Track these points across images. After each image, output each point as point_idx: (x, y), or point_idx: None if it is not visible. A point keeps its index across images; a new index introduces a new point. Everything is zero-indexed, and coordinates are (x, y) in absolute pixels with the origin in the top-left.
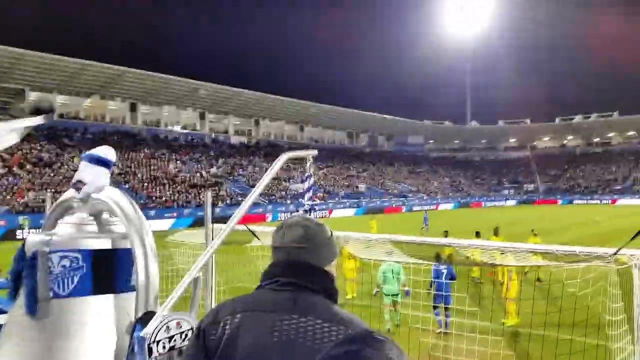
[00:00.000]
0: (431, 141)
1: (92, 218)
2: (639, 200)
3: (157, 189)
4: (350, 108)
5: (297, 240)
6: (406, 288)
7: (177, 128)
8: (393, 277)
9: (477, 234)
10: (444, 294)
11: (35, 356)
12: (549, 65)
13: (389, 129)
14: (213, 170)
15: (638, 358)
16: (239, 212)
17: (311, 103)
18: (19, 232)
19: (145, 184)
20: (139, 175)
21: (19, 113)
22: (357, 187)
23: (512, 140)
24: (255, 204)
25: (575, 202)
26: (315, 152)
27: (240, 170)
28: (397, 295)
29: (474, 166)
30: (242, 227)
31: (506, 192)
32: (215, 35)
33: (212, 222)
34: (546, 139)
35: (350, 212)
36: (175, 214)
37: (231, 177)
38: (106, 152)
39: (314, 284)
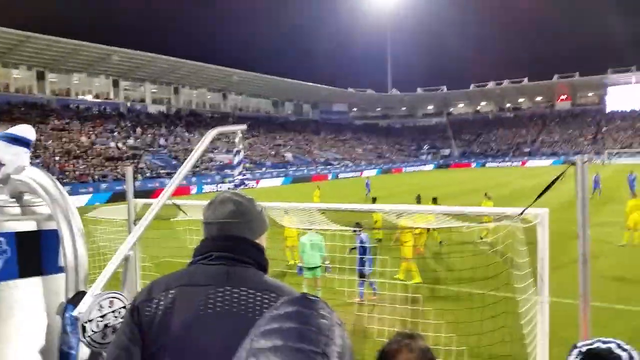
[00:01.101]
0: (355, 109)
1: (13, 200)
2: (546, 162)
3: (71, 162)
4: (275, 75)
5: (228, 215)
6: (327, 263)
7: (89, 97)
8: (312, 248)
9: (418, 199)
10: (363, 265)
11: None
12: (462, 32)
13: (314, 97)
14: (130, 141)
15: (540, 307)
16: (169, 188)
17: (234, 70)
18: None
19: (57, 158)
20: (50, 149)
21: None
22: (283, 156)
23: (429, 107)
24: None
25: (488, 164)
26: (245, 126)
27: (162, 140)
28: (317, 268)
29: (395, 133)
30: (167, 201)
31: (424, 157)
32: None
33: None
34: (461, 105)
35: (277, 181)
36: (91, 189)
37: (151, 149)
38: (25, 131)
39: (246, 257)
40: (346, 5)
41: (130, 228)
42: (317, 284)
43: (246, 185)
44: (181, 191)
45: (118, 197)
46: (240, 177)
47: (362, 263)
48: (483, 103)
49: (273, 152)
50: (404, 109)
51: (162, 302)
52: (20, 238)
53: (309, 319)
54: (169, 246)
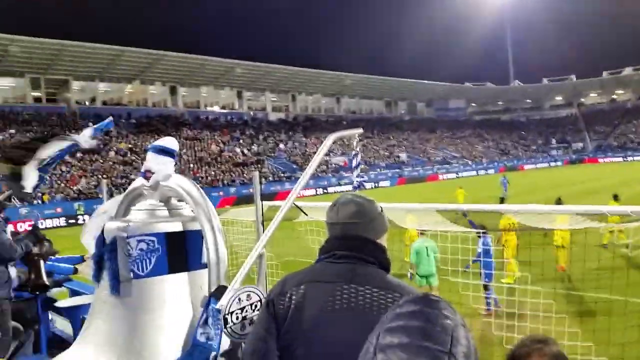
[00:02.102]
0: (473, 104)
1: (162, 204)
2: None
3: (203, 169)
4: (387, 76)
5: (351, 216)
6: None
7: (216, 108)
8: (428, 255)
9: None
10: (488, 270)
11: (122, 332)
12: (592, 16)
13: (428, 94)
14: (254, 148)
15: None
16: (294, 192)
17: (346, 74)
18: (80, 218)
19: (191, 165)
20: (184, 157)
21: (66, 102)
22: (397, 156)
23: (557, 98)
24: (295, 179)
25: (629, 158)
26: (360, 130)
27: (282, 146)
28: (432, 276)
29: (520, 127)
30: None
31: (554, 152)
32: (245, 12)
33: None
34: (594, 94)
35: (392, 182)
36: (221, 193)
37: (272, 154)
38: (170, 142)
39: (368, 256)
40: None
41: (259, 228)
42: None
43: (364, 187)
44: (287, 194)
45: (244, 199)
46: (359, 179)
47: (487, 269)
48: (619, 91)
49: (387, 153)
50: (528, 101)
51: (294, 297)
52: (169, 238)
53: (433, 318)
54: (292, 246)
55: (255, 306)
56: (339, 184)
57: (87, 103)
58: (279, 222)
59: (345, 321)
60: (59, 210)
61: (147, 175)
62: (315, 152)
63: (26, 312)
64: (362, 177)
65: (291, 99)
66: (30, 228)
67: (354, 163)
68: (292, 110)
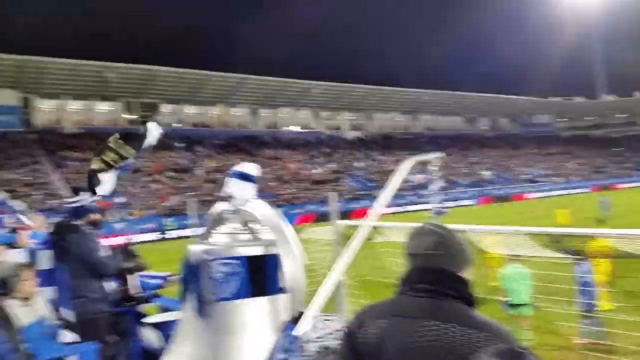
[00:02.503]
0: (560, 119)
1: (243, 228)
2: None
3: (282, 187)
4: (467, 91)
5: (431, 247)
6: (534, 298)
7: (294, 128)
8: (520, 283)
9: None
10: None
11: (206, 352)
12: None
13: (511, 109)
14: (331, 166)
15: None
16: (372, 216)
17: (424, 90)
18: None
19: (271, 183)
20: (265, 175)
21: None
22: (480, 174)
23: None
24: (372, 197)
25: None
26: (442, 154)
27: (358, 164)
28: (525, 305)
29: (613, 143)
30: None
31: None
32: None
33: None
34: None
35: (474, 202)
36: (299, 211)
37: (349, 172)
38: (251, 168)
39: (451, 290)
40: (538, 6)
41: (336, 248)
42: (524, 323)
43: (445, 214)
44: (363, 212)
45: (323, 217)
46: (439, 205)
47: (587, 298)
48: None
49: (468, 171)
50: (622, 115)
51: (374, 330)
52: (250, 261)
53: None
54: (370, 266)
55: (335, 334)
56: (417, 203)
57: (175, 125)
58: (355, 250)
59: (426, 359)
60: (150, 225)
61: (228, 200)
62: (392, 170)
63: (119, 325)
64: (443, 203)
65: (367, 117)
66: (122, 243)
67: (435, 189)
68: (369, 129)
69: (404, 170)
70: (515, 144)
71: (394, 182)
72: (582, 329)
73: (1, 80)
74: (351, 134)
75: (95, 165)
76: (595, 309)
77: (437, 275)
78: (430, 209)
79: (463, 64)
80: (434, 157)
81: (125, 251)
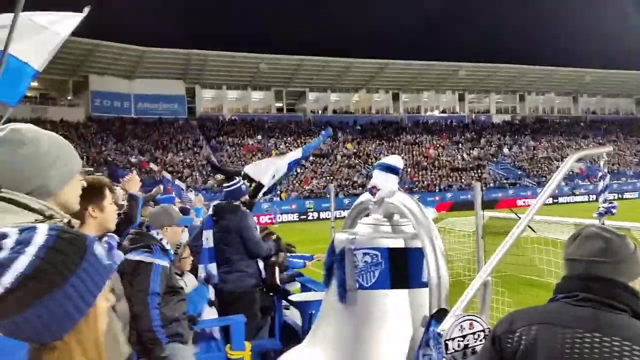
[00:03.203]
0: None
1: (386, 219)
2: None
3: (420, 173)
4: (637, 69)
5: (596, 254)
6: None
7: (436, 112)
8: None
9: None
10: None
11: (348, 339)
12: None
13: None
14: (474, 152)
15: None
16: (528, 215)
17: (586, 70)
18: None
19: (409, 169)
20: (403, 161)
21: (302, 112)
22: None
23: None
24: (523, 186)
25: None
26: (610, 148)
27: (505, 150)
28: None
29: None
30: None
31: None
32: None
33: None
34: None
35: None
36: (437, 198)
37: (495, 159)
38: (396, 161)
39: (617, 301)
40: None
41: (478, 241)
42: None
43: (612, 214)
44: (509, 203)
45: (460, 205)
46: (605, 205)
47: None
48: None
49: (636, 159)
50: None
51: (524, 337)
52: (392, 253)
53: None
54: (514, 261)
55: (478, 336)
56: (573, 194)
57: (319, 112)
58: (506, 250)
59: None
60: (293, 207)
61: (373, 191)
62: (545, 157)
63: (264, 301)
64: (611, 203)
65: (519, 99)
66: (269, 231)
67: (600, 186)
68: (520, 112)
69: (567, 165)
70: None
71: (557, 179)
72: None
73: (170, 72)
74: (498, 118)
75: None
76: None
77: (602, 285)
78: (597, 209)
79: (632, 41)
80: (600, 150)
81: (277, 245)
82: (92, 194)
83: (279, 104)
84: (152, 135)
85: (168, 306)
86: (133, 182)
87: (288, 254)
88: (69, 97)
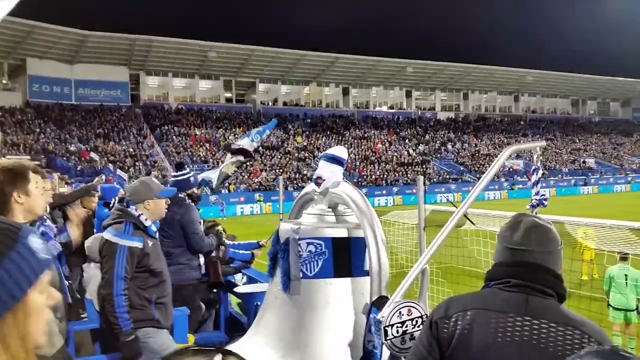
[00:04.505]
0: None
1: (330, 210)
2: None
3: (368, 168)
4: (574, 72)
5: (540, 244)
6: None
7: (385, 108)
8: (627, 285)
9: None
10: None
11: (290, 327)
12: None
13: (624, 93)
14: (420, 147)
15: None
16: (464, 206)
17: (527, 70)
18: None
19: (358, 163)
20: (352, 155)
21: (252, 103)
22: (584, 162)
23: None
24: (465, 182)
25: None
26: (544, 143)
27: (449, 146)
28: (632, 311)
29: None
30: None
31: None
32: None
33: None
34: None
35: (580, 190)
36: (384, 192)
37: (439, 154)
38: (340, 151)
39: (546, 287)
40: None
41: (421, 234)
42: (629, 330)
43: (544, 206)
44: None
45: (407, 199)
46: (538, 197)
47: None
48: None
49: (571, 158)
50: None
51: (459, 322)
52: (335, 243)
53: None
54: (455, 253)
55: (416, 322)
56: (512, 189)
57: (269, 103)
58: (443, 238)
59: (518, 356)
60: (241, 199)
61: (318, 181)
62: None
63: (209, 293)
64: (543, 196)
65: (463, 97)
66: (214, 222)
67: (533, 179)
68: (463, 109)
69: (502, 158)
70: (625, 131)
71: (492, 171)
72: None
73: (114, 57)
74: (444, 115)
75: (229, 170)
76: None
77: (533, 271)
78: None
79: (571, 43)
80: (534, 145)
81: (217, 239)
82: (15, 179)
83: (228, 94)
84: (93, 122)
85: (143, 288)
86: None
87: (234, 243)
88: (4, 81)
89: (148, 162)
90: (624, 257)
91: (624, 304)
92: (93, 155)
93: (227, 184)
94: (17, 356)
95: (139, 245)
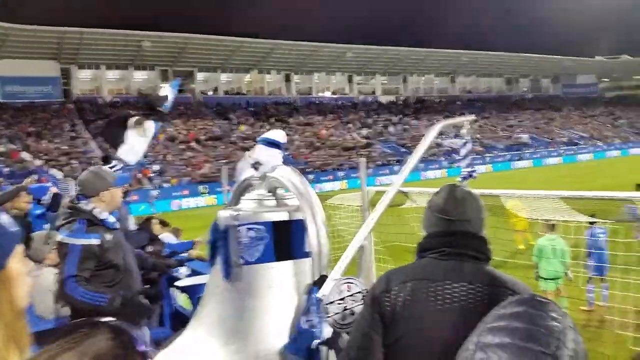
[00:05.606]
0: (605, 80)
1: (270, 194)
2: None
3: (313, 153)
4: (507, 51)
5: (471, 213)
6: (570, 272)
7: (327, 94)
8: (555, 255)
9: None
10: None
11: (231, 314)
12: None
13: (553, 70)
14: (363, 132)
15: None
16: (398, 181)
17: (462, 51)
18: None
19: (302, 150)
20: (297, 142)
21: (191, 92)
22: (518, 137)
23: None
24: (404, 163)
25: None
26: (473, 117)
27: (391, 129)
28: (559, 279)
29: None
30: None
31: None
32: None
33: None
34: None
35: (515, 164)
36: (331, 177)
37: (382, 138)
38: (278, 135)
39: (477, 252)
40: None
41: (364, 214)
42: (559, 293)
43: (474, 178)
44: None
45: (354, 183)
46: (468, 169)
47: (599, 262)
48: None
49: (506, 134)
50: None
51: (400, 294)
52: (276, 226)
53: (538, 320)
54: (399, 232)
55: (356, 298)
56: (451, 167)
57: (210, 93)
58: (379, 214)
59: (454, 320)
60: (185, 192)
61: (256, 166)
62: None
63: (152, 289)
64: (472, 168)
65: (402, 80)
66: (150, 216)
67: (463, 152)
68: (403, 92)
69: (432, 134)
70: (556, 106)
71: (421, 146)
72: (587, 296)
73: (42, 52)
74: (385, 99)
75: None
76: (605, 274)
77: (466, 239)
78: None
79: (502, 22)
80: (463, 119)
81: (147, 234)
82: None
83: (166, 85)
84: (24, 121)
85: (110, 286)
86: None
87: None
88: None
89: (84, 159)
90: (552, 226)
91: (553, 274)
92: (24, 155)
93: (166, 177)
94: (8, 319)
95: (95, 242)
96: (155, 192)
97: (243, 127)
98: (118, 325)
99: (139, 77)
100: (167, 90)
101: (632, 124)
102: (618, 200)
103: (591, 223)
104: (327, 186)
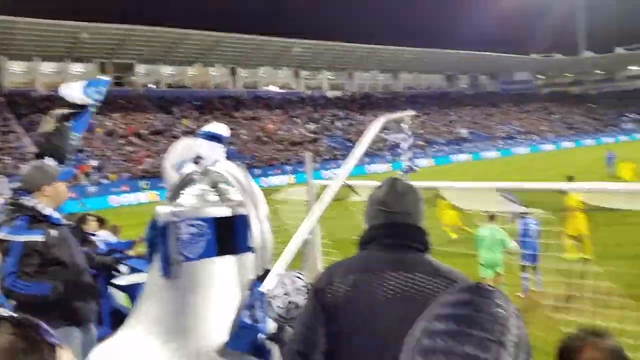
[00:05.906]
0: (540, 77)
1: (212, 189)
2: None
3: (260, 148)
4: (447, 49)
5: (411, 206)
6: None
7: (274, 88)
8: (494, 244)
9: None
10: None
11: (171, 312)
12: None
13: (491, 67)
14: (310, 126)
15: None
16: (341, 175)
17: (405, 48)
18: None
19: (249, 145)
20: (243, 137)
21: (130, 86)
22: (458, 132)
23: (633, 67)
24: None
25: None
26: (413, 112)
27: (338, 124)
28: (497, 266)
29: (589, 100)
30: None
31: (628, 126)
32: None
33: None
34: None
35: (452, 159)
36: (278, 172)
37: (328, 132)
38: (219, 128)
39: (417, 243)
40: None
41: (310, 208)
42: (499, 280)
43: (415, 171)
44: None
45: (301, 178)
46: (409, 163)
47: (527, 251)
48: None
49: (447, 129)
50: (599, 72)
51: (342, 287)
52: (218, 222)
53: (483, 307)
54: (345, 225)
55: (300, 291)
56: (395, 161)
57: (153, 86)
58: (321, 209)
59: (397, 310)
60: (124, 188)
61: (197, 161)
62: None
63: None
64: (413, 162)
65: (348, 76)
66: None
67: (405, 146)
68: (349, 88)
69: (374, 128)
70: (494, 102)
71: (364, 141)
72: (522, 283)
73: None
74: (331, 94)
75: (48, 126)
76: (537, 263)
77: (406, 230)
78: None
79: (444, 21)
80: (404, 114)
81: (80, 233)
82: None
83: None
84: None
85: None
86: None
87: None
88: None
89: (17, 155)
90: (492, 217)
91: (492, 262)
92: None
93: (105, 173)
94: None
95: (38, 238)
96: (92, 189)
97: (186, 122)
98: (21, 318)
99: (76, 69)
100: (82, 98)
101: (564, 119)
102: (551, 192)
103: (523, 214)
104: (275, 180)
